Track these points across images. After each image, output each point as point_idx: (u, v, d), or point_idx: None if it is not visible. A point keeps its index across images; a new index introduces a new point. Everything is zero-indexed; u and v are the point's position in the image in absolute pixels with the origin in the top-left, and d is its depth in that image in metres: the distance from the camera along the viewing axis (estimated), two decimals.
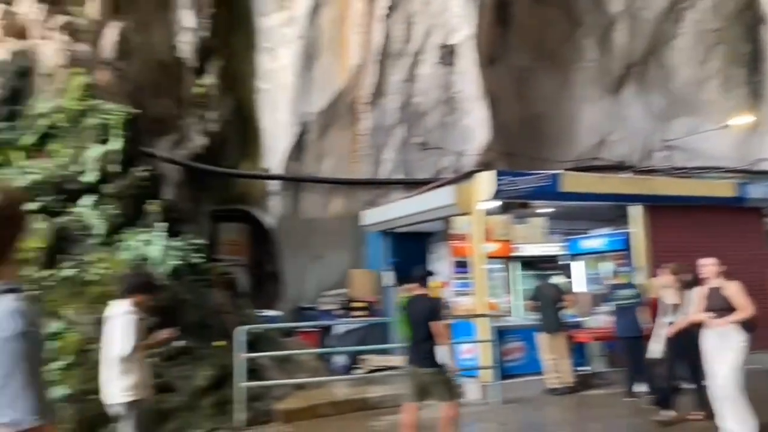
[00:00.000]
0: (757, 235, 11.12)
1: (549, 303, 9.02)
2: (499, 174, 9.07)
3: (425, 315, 5.72)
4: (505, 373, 8.96)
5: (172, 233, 8.23)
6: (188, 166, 10.69)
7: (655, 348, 7.08)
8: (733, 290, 5.92)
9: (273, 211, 11.50)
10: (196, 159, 10.89)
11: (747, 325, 5.85)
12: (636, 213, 10.20)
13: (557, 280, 9.75)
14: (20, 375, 1.59)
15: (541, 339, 9.02)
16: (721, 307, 5.93)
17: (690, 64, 16.39)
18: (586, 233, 12.18)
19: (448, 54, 12.24)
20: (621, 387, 8.52)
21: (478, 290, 9.18)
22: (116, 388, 4.57)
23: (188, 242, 8.25)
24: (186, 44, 11.28)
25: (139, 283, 4.86)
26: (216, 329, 7.99)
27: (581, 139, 14.97)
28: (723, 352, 5.87)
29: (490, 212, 9.72)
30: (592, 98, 15.24)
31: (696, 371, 6.67)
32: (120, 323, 4.56)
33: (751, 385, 5.94)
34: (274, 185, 11.52)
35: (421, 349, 5.73)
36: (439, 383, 5.71)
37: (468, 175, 9.67)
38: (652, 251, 9.98)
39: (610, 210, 10.73)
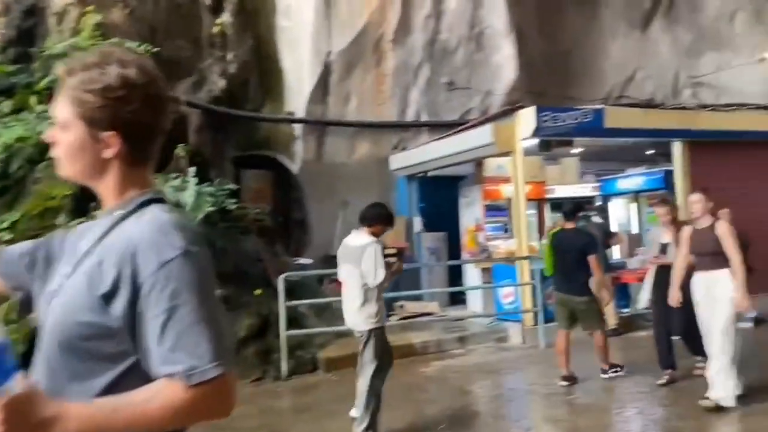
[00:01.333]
0: None
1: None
2: (541, 110, 8.61)
3: (578, 248, 6.14)
4: (547, 316, 8.73)
5: (200, 179, 7.83)
6: (209, 110, 10.19)
7: (643, 296, 6.48)
8: (723, 231, 5.12)
9: (297, 156, 11.05)
10: (215, 102, 10.37)
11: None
12: (677, 149, 9.77)
13: (599, 220, 9.36)
14: (188, 309, 1.17)
15: None
16: (709, 250, 5.14)
17: None
18: (615, 174, 11.82)
19: None
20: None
21: (519, 232, 8.83)
22: (362, 316, 4.75)
23: (220, 188, 7.86)
24: None
25: (378, 214, 4.90)
26: (254, 277, 7.68)
27: (609, 77, 14.37)
28: (712, 304, 5.14)
29: (525, 152, 9.29)
30: (619, 33, 14.57)
31: (686, 323, 5.75)
32: (368, 253, 4.65)
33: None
34: (298, 129, 11.03)
35: (573, 279, 6.14)
36: (589, 312, 6.18)
37: (506, 112, 9.19)
38: (691, 190, 9.58)
39: (651, 147, 10.33)
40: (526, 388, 6.64)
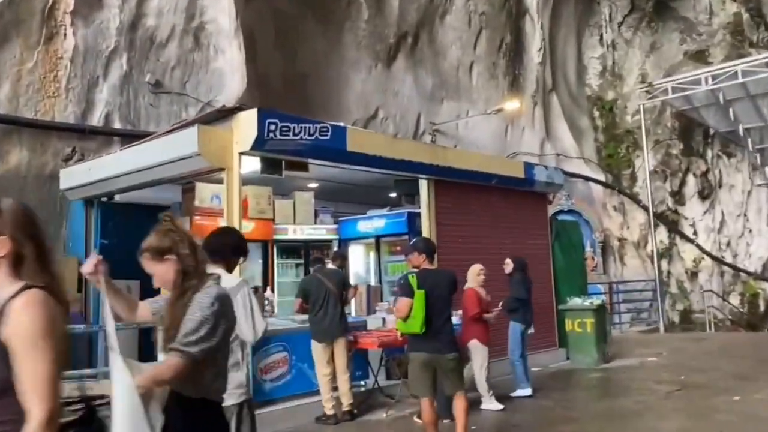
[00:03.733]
0: (543, 222, 10.08)
1: (329, 299, 6.56)
2: (266, 115, 6.38)
3: (448, 290, 4.99)
4: (265, 397, 6.35)
5: None
6: None
7: None
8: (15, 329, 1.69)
9: None
10: None
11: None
12: (423, 187, 8.35)
13: (334, 267, 7.26)
14: None
15: (316, 348, 6.54)
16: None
17: (458, 45, 15.55)
18: (355, 216, 10.15)
19: None
20: (414, 406, 6.41)
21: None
22: (231, 385, 2.98)
23: None
24: None
25: (231, 244, 3.52)
26: None
27: (351, 110, 12.93)
28: None
29: (246, 179, 6.93)
30: (364, 65, 13.33)
31: None
32: (242, 297, 3.45)
33: None
34: None
35: (445, 332, 4.96)
36: (456, 371, 5.08)
37: (220, 113, 6.72)
38: (438, 234, 8.19)
39: (395, 185, 8.77)
40: None
